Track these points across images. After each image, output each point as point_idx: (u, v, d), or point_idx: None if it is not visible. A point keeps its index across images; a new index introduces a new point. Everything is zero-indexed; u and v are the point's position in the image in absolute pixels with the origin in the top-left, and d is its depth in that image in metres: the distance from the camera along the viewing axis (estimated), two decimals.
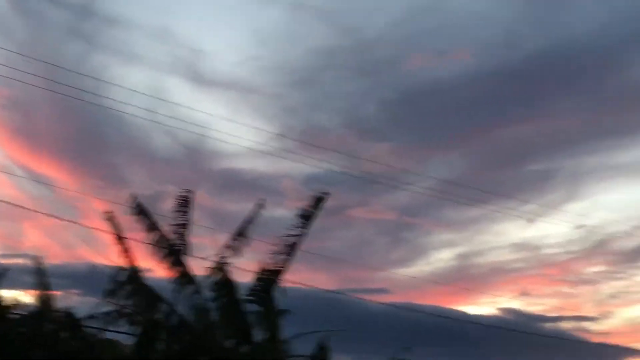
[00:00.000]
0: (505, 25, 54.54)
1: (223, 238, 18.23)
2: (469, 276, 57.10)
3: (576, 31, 54.44)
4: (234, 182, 48.51)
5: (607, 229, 36.50)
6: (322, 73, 54.37)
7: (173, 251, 18.03)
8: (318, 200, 18.01)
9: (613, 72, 56.22)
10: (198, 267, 18.09)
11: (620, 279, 58.75)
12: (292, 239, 17.81)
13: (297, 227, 17.84)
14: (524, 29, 55.26)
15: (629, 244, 49.49)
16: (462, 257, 58.89)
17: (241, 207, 18.91)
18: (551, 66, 55.31)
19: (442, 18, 54.27)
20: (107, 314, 17.79)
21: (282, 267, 17.88)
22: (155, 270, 18.42)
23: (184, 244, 18.16)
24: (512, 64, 55.24)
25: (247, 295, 17.10)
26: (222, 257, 17.15)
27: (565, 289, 60.28)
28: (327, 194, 18.23)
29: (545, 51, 54.62)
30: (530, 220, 29.73)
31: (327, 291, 26.20)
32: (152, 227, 18.24)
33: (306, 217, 17.90)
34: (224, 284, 17.00)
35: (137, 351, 16.62)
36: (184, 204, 18.50)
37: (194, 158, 45.78)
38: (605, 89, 56.55)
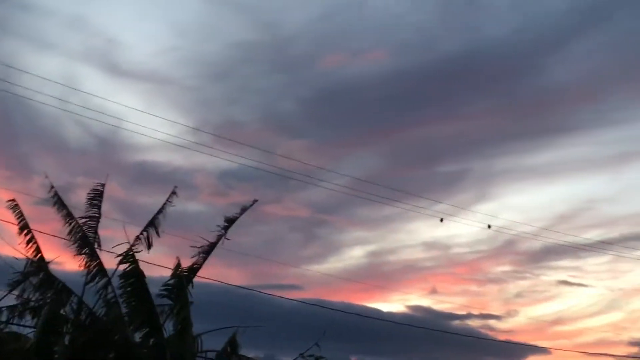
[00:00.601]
0: (421, 27, 55.49)
1: (135, 231, 17.98)
2: (380, 274, 57.87)
3: (490, 35, 55.87)
4: (148, 175, 47.80)
5: (515, 229, 37.45)
6: (239, 67, 54.13)
7: (83, 243, 17.63)
8: (246, 208, 18.14)
9: (525, 76, 57.89)
10: (109, 260, 17.75)
11: (526, 278, 60.62)
12: (212, 239, 17.82)
13: (219, 228, 17.88)
14: (439, 32, 56.37)
15: (536, 244, 51.08)
16: (374, 254, 59.61)
17: (155, 201, 18.67)
18: (465, 68, 56.55)
19: (360, 18, 54.83)
20: (13, 307, 17.29)
21: (198, 264, 17.76)
22: (65, 262, 18.01)
23: (95, 236, 17.82)
24: (427, 66, 56.23)
25: (160, 289, 16.86)
26: (133, 250, 16.83)
27: (474, 287, 61.83)
28: (256, 200, 18.36)
29: (460, 54, 55.84)
30: (441, 220, 30.13)
31: (240, 287, 26.10)
32: (62, 218, 17.83)
33: (230, 221, 17.96)
34: (134, 277, 16.67)
35: (40, 344, 16.13)
36: (96, 196, 18.14)
37: (107, 150, 44.78)
38: (517, 93, 58.20)
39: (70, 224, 17.81)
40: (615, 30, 57.39)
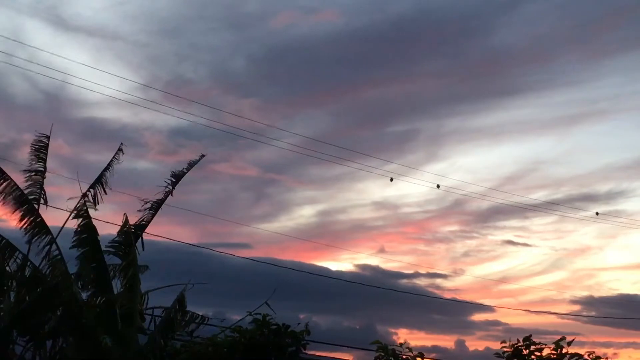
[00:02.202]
0: None
1: (83, 189, 17.70)
2: (330, 233, 58.22)
3: None
4: (96, 132, 47.07)
5: (463, 189, 37.90)
6: (190, 24, 53.27)
7: (27, 200, 17.32)
8: (193, 163, 17.91)
9: (474, 37, 58.16)
10: (55, 217, 17.48)
11: (473, 238, 61.62)
12: (160, 196, 17.64)
13: (166, 184, 17.69)
14: None
15: (483, 205, 51.85)
16: (323, 214, 59.87)
17: (103, 158, 18.36)
18: (415, 29, 56.59)
19: None
20: None
21: (146, 221, 17.61)
22: (8, 220, 17.67)
23: (40, 192, 17.50)
24: (377, 26, 56.05)
25: (108, 246, 16.70)
26: (81, 207, 16.59)
27: (422, 246, 62.65)
28: (203, 156, 18.15)
29: (410, 15, 55.76)
30: (391, 180, 30.31)
31: (190, 245, 26.00)
32: (4, 174, 17.44)
33: (177, 177, 17.75)
34: (86, 233, 16.48)
35: None
36: (40, 149, 17.76)
37: (54, 105, 43.91)
38: (467, 54, 58.51)
39: (13, 180, 17.41)
40: None
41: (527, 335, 16.20)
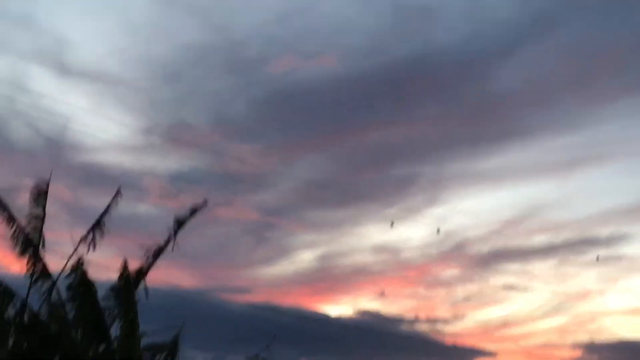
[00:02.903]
0: (372, 32, 55.84)
1: (82, 234, 17.67)
2: (330, 277, 57.98)
3: (440, 41, 56.43)
4: (97, 177, 47.16)
5: (464, 233, 38.00)
6: (191, 69, 53.77)
7: (28, 245, 17.30)
8: (196, 208, 17.87)
9: (475, 82, 58.60)
10: (55, 262, 17.43)
11: (474, 282, 61.32)
12: (162, 241, 17.63)
13: (169, 230, 17.68)
14: (390, 37, 56.73)
15: (484, 248, 51.77)
16: (324, 257, 59.68)
17: (104, 203, 18.30)
18: (415, 74, 57.05)
19: (311, 21, 54.96)
20: None
21: (147, 266, 17.57)
22: (9, 265, 17.64)
23: (40, 238, 17.45)
24: (377, 71, 56.53)
25: (108, 292, 16.69)
26: (80, 253, 16.62)
27: (422, 291, 62.31)
28: (206, 201, 18.09)
29: (410, 60, 56.29)
30: (392, 224, 30.36)
31: (190, 289, 25.97)
32: (7, 219, 17.43)
33: (180, 223, 17.72)
34: (80, 281, 16.47)
35: None
36: (40, 195, 17.75)
37: (55, 150, 44.07)
38: (467, 98, 58.89)
39: (12, 226, 17.39)
40: (562, 37, 58.42)
41: None
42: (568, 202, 63.00)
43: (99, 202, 18.39)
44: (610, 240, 56.60)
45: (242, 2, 53.76)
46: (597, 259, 40.76)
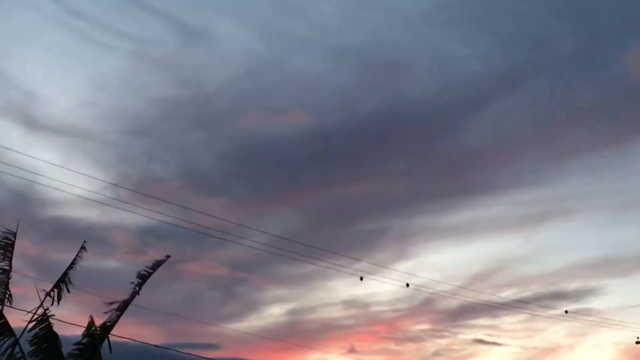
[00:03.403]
0: (341, 88, 56.68)
1: (48, 289, 17.42)
2: (300, 332, 57.62)
3: (409, 97, 57.44)
4: (64, 231, 46.78)
5: (433, 288, 37.94)
6: (160, 123, 54.06)
7: None
8: (159, 263, 17.77)
9: (442, 137, 59.63)
10: (18, 318, 17.12)
11: (444, 337, 61.30)
12: (126, 296, 17.43)
13: (133, 285, 17.49)
14: (359, 93, 57.65)
15: (453, 303, 51.80)
16: (293, 313, 59.43)
17: (70, 257, 18.11)
18: (384, 129, 57.89)
19: (281, 77, 55.65)
20: None
21: (112, 322, 17.34)
22: None
23: (4, 292, 17.16)
24: (346, 126, 57.29)
25: (73, 349, 16.40)
26: (44, 309, 16.34)
27: (392, 346, 62.11)
28: (168, 256, 17.98)
29: (379, 115, 57.22)
30: (361, 278, 30.27)
31: (156, 346, 25.53)
32: None
33: (143, 277, 17.58)
34: (45, 336, 16.18)
35: None
36: (6, 247, 17.51)
37: (21, 205, 43.58)
38: (435, 153, 59.83)
39: None
40: (528, 95, 59.83)
41: None
42: (535, 256, 63.69)
43: (65, 257, 18.19)
44: (578, 294, 57.16)
45: (211, 57, 54.31)
46: (566, 312, 40.87)
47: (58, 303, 17.08)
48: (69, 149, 49.53)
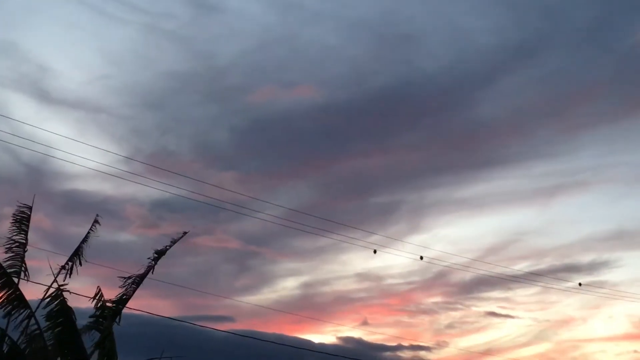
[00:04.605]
0: (354, 61, 56.33)
1: (63, 262, 17.57)
2: (313, 305, 57.86)
3: (422, 70, 57.04)
4: (78, 205, 47.03)
5: (446, 261, 37.96)
6: (173, 97, 54.00)
7: (5, 273, 17.16)
8: (176, 239, 17.88)
9: (456, 110, 59.23)
10: (34, 291, 17.31)
11: (457, 309, 61.36)
12: (141, 270, 17.55)
13: (149, 260, 17.60)
14: (372, 66, 57.26)
15: (466, 276, 51.84)
16: (306, 286, 59.59)
17: (84, 230, 18.21)
18: (397, 102, 57.62)
19: (294, 50, 55.37)
20: None
21: (127, 295, 17.48)
22: None
23: (20, 266, 17.33)
24: (360, 99, 57.01)
25: (88, 320, 16.58)
26: (59, 282, 16.50)
27: (405, 318, 62.26)
28: (186, 232, 18.07)
29: (392, 88, 56.86)
30: (375, 251, 30.30)
31: (171, 318, 25.73)
32: None
33: (160, 253, 17.69)
34: (60, 310, 16.34)
35: None
36: (22, 220, 17.63)
37: (35, 178, 43.94)
38: (448, 126, 59.47)
39: None
40: (542, 67, 59.19)
41: None
42: (549, 229, 63.40)
43: (79, 230, 18.35)
44: (592, 267, 56.94)
45: (224, 30, 54.15)
46: (580, 285, 40.84)
47: (70, 276, 17.23)
48: (82, 123, 49.66)
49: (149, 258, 17.66)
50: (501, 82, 59.71)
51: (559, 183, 63.08)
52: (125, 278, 17.48)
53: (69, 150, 23.90)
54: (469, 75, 58.44)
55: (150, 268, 17.59)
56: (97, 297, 16.64)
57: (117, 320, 17.08)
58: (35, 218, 18.49)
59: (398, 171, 61.59)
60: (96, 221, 18.03)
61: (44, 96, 48.77)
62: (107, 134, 50.53)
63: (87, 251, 17.81)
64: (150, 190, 27.84)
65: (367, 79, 57.46)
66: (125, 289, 17.54)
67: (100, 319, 16.58)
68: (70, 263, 17.49)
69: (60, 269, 17.02)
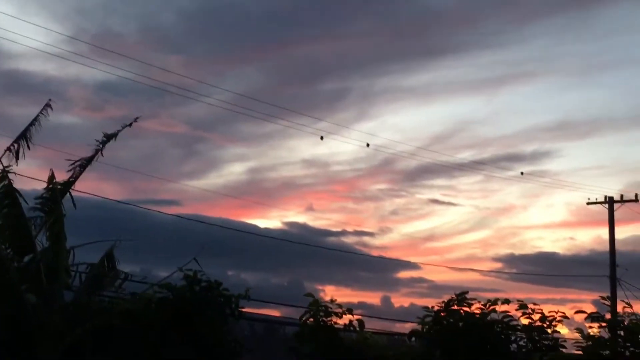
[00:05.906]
0: None
1: (5, 143, 17.19)
2: (259, 190, 58.41)
3: None
4: (20, 85, 45.87)
5: (393, 148, 38.41)
6: None
7: None
8: (126, 125, 17.49)
9: None
10: None
11: (401, 196, 62.68)
12: (88, 153, 17.27)
13: (97, 143, 17.26)
14: None
15: (412, 163, 52.71)
16: (253, 171, 59.98)
17: (27, 111, 17.80)
18: None
19: None
20: None
21: (74, 177, 17.25)
22: None
23: None
24: None
25: (34, 203, 16.41)
26: (6, 169, 16.19)
27: (350, 204, 63.41)
28: (137, 119, 17.65)
29: None
30: (322, 138, 30.45)
31: (117, 201, 25.68)
32: None
33: (110, 136, 17.34)
34: (6, 192, 16.12)
35: None
36: None
37: None
38: (398, 13, 58.85)
39: None
40: None
41: (462, 291, 16.56)
42: (495, 119, 64.50)
43: (22, 111, 17.88)
44: (534, 157, 58.50)
45: None
46: (522, 174, 41.90)
47: (17, 160, 16.86)
48: (24, 0, 47.69)
49: (97, 140, 17.33)
50: None
51: (506, 73, 63.77)
52: (73, 162, 17.18)
53: (10, 29, 23.12)
54: None
55: (98, 151, 17.30)
56: (50, 180, 16.38)
57: (72, 203, 16.91)
58: None
59: (347, 58, 61.26)
60: (48, 105, 17.50)
61: None
62: (49, 12, 48.79)
63: (33, 134, 17.35)
64: (94, 72, 27.23)
65: None
66: (73, 172, 17.29)
67: (49, 201, 16.37)
68: (16, 145, 17.07)
69: (5, 151, 16.64)
